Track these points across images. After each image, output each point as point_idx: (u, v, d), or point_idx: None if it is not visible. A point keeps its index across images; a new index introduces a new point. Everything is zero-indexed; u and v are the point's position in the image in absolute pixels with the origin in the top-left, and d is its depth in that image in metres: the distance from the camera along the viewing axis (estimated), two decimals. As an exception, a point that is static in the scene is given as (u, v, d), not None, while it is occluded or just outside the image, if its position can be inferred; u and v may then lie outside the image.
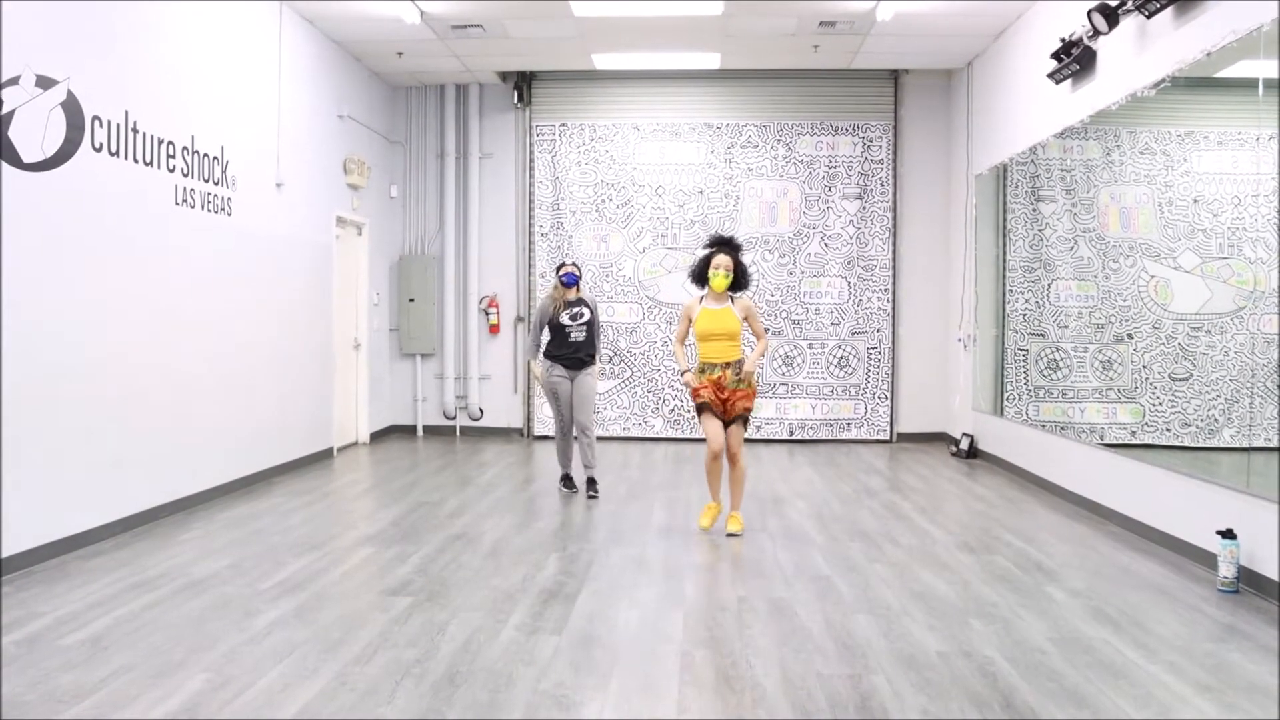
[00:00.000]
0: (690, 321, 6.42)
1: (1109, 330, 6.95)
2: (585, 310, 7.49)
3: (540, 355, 7.54)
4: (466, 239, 11.21)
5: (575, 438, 7.56)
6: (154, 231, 6.45)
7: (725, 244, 6.41)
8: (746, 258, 10.65)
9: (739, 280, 6.38)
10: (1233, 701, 3.59)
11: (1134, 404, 6.67)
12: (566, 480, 7.71)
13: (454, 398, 11.26)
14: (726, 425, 6.31)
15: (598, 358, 7.65)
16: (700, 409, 6.33)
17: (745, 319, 6.39)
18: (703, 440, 10.19)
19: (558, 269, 7.61)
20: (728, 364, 6.28)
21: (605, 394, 10.97)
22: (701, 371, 6.32)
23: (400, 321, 11.22)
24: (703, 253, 6.48)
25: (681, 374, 6.48)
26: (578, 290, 7.51)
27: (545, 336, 7.56)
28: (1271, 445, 5.08)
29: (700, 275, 6.39)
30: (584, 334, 7.46)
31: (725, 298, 6.37)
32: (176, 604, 4.70)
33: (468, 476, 8.47)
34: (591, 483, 7.54)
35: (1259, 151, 5.16)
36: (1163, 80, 6.00)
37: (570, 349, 7.42)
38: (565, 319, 7.40)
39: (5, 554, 5.13)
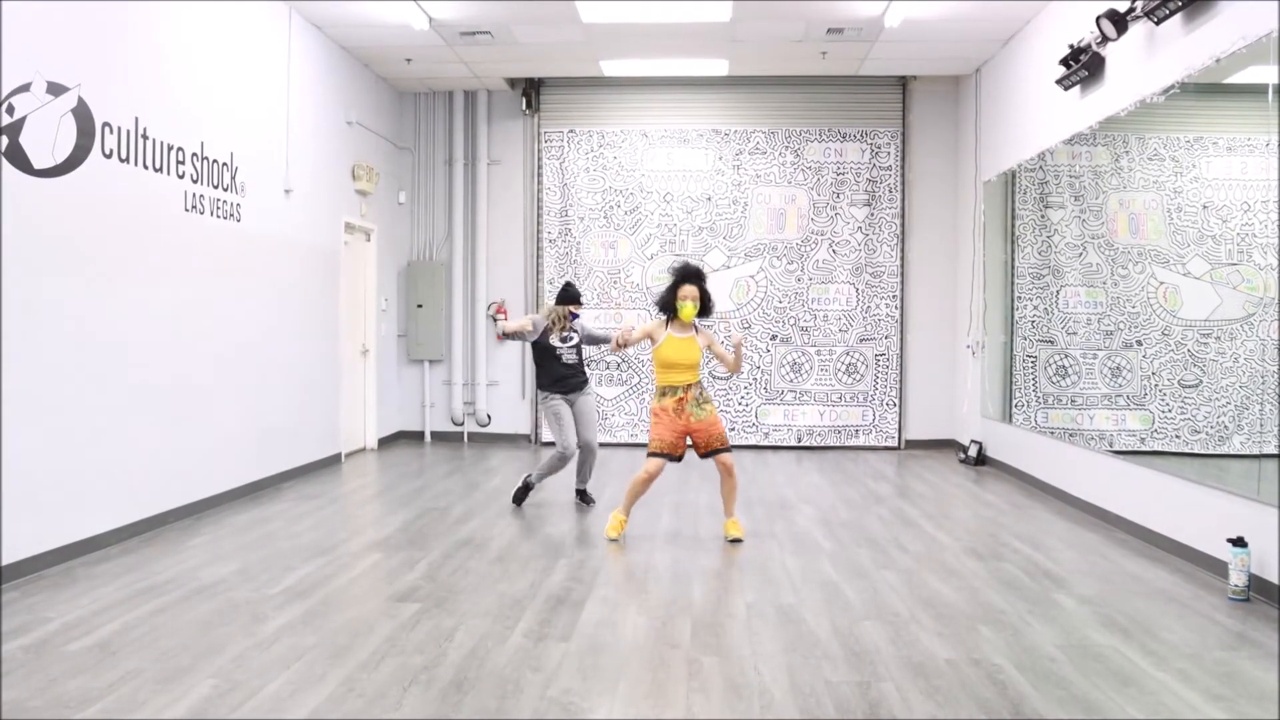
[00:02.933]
0: (651, 339, 6.37)
1: (1118, 337, 6.93)
2: (574, 334, 7.30)
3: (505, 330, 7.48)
4: (475, 245, 11.23)
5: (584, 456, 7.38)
6: (163, 237, 6.48)
7: (693, 275, 6.37)
8: (753, 265, 10.80)
9: (704, 309, 6.37)
10: (1244, 710, 3.57)
11: (1143, 411, 6.65)
12: (525, 491, 7.45)
13: (462, 404, 11.28)
14: (709, 455, 6.30)
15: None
16: (655, 455, 6.26)
17: (708, 348, 6.38)
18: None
19: (576, 300, 7.34)
20: (689, 385, 6.29)
21: (613, 400, 10.98)
22: (663, 395, 6.30)
23: (408, 327, 11.24)
24: (668, 281, 6.43)
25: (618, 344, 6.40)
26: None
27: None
28: (1282, 452, 5.06)
29: (669, 304, 6.36)
30: (574, 356, 7.30)
31: (690, 327, 6.37)
32: (184, 609, 4.71)
33: (475, 482, 8.47)
34: (585, 493, 7.51)
35: (1269, 157, 5.14)
36: (1172, 86, 5.99)
37: (564, 372, 7.25)
38: (555, 340, 7.22)
39: (16, 558, 5.14)
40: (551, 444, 10.70)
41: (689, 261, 6.59)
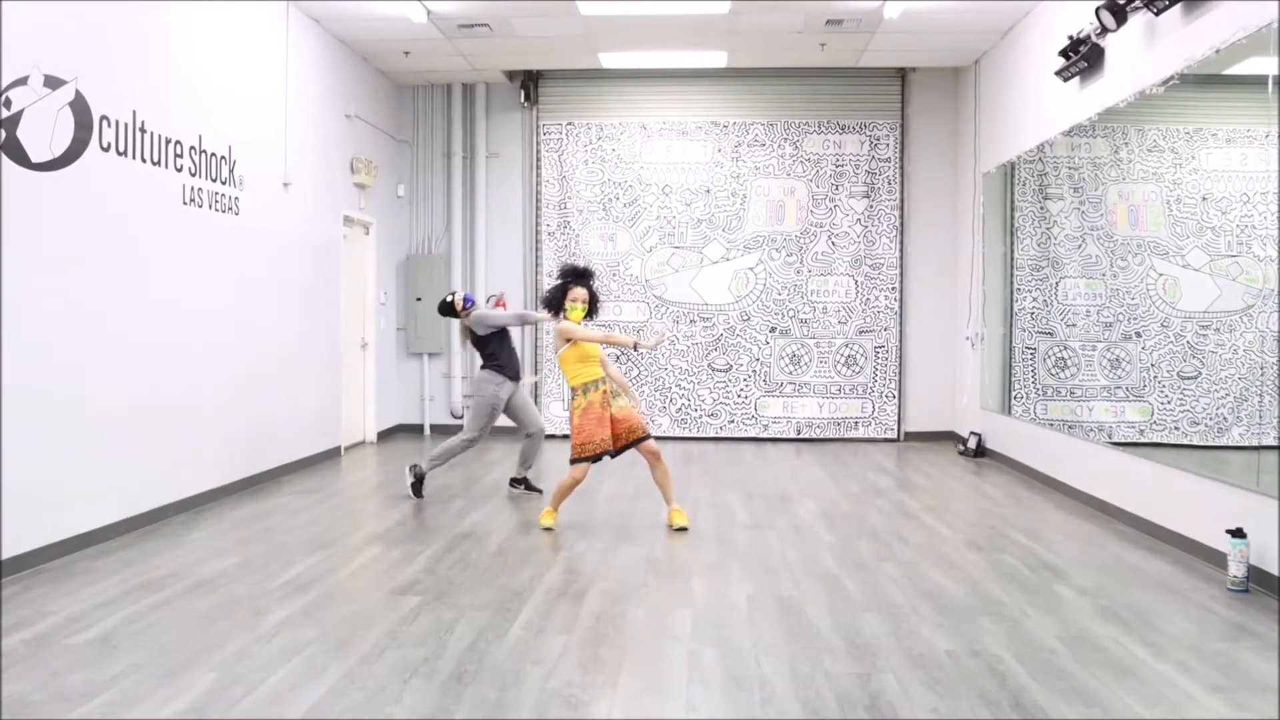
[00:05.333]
0: (578, 338, 6.24)
1: (1117, 328, 6.93)
2: None
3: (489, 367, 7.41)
4: (473, 238, 11.22)
5: (531, 438, 7.48)
6: (161, 231, 6.47)
7: (581, 276, 6.39)
8: (752, 257, 10.80)
9: (592, 310, 6.41)
10: (1243, 701, 3.58)
11: (1142, 402, 6.65)
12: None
13: (461, 397, 11.27)
14: (632, 445, 6.28)
15: None
16: (592, 459, 6.21)
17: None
18: (711, 439, 10.17)
19: (453, 302, 7.48)
20: (604, 378, 6.30)
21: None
22: (587, 391, 6.23)
23: (407, 321, 11.24)
24: (556, 282, 6.47)
25: (637, 345, 6.23)
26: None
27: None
28: (1281, 443, 5.06)
29: (557, 304, 6.36)
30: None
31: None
32: (185, 603, 4.71)
33: (475, 475, 8.47)
34: (529, 481, 7.60)
35: (1268, 149, 5.13)
36: (1171, 77, 5.98)
37: (516, 357, 7.49)
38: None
39: (16, 552, 5.14)
40: (554, 436, 10.73)
41: (575, 264, 6.55)
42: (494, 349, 7.34)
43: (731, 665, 3.92)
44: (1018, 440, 8.77)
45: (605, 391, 6.28)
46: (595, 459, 6.24)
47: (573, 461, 6.28)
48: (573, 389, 6.32)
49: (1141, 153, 6.71)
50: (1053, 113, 7.88)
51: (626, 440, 6.29)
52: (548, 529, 6.37)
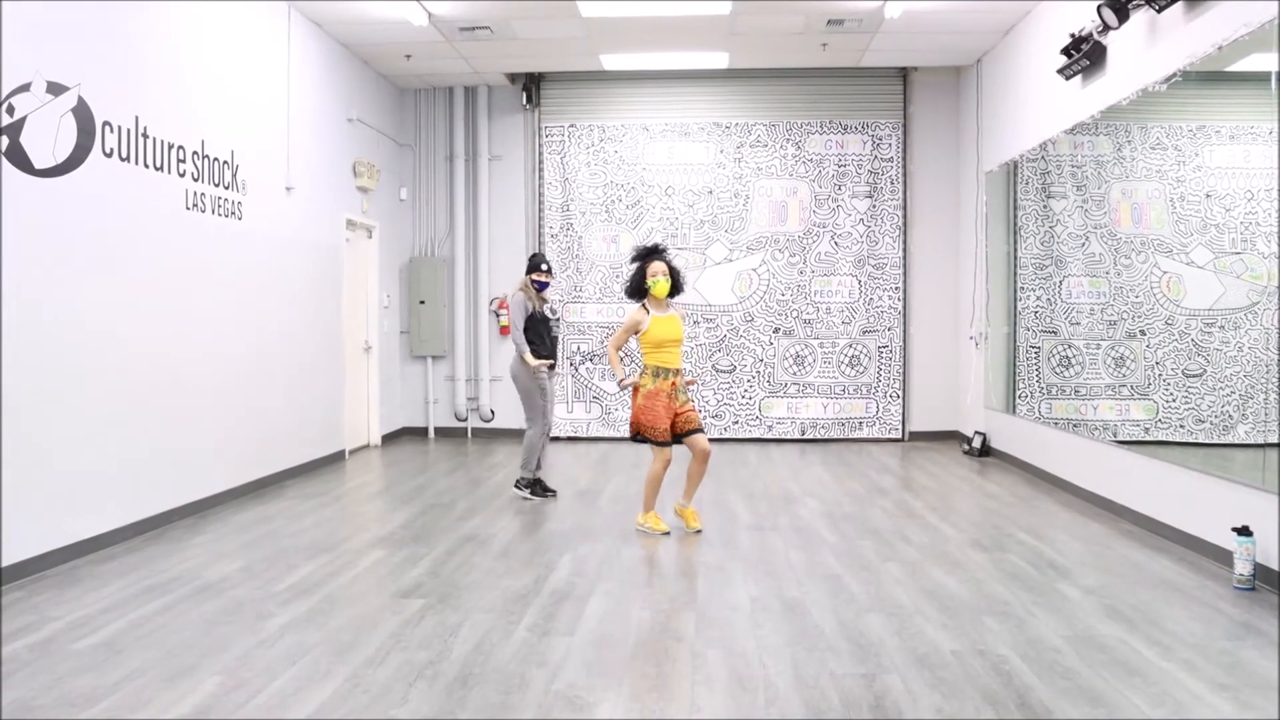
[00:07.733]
0: (636, 331, 6.28)
1: (1121, 327, 6.92)
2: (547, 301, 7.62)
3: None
4: (476, 241, 11.22)
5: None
6: (165, 236, 6.48)
7: (655, 252, 6.37)
8: (755, 258, 10.79)
9: (675, 285, 6.38)
10: (1249, 699, 3.57)
11: (1147, 401, 6.64)
12: (542, 486, 7.57)
13: (465, 400, 11.28)
14: (684, 436, 6.27)
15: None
16: (655, 440, 6.21)
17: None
18: (715, 440, 10.12)
19: (538, 269, 7.50)
20: (677, 370, 6.29)
21: (615, 395, 10.97)
22: (655, 377, 6.22)
23: (411, 324, 11.24)
24: (631, 266, 6.44)
25: (619, 382, 6.38)
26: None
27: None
28: (1287, 441, 5.04)
29: (639, 288, 6.33)
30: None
31: (667, 305, 6.38)
32: (189, 607, 4.71)
33: (479, 478, 8.47)
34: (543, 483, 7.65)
35: (1271, 145, 5.12)
36: (1174, 75, 5.97)
37: (552, 344, 7.58)
38: (547, 311, 7.54)
39: (21, 557, 5.15)
40: (558, 438, 10.72)
41: (645, 244, 6.52)
42: (530, 336, 7.41)
43: (735, 666, 3.91)
44: (1022, 439, 8.75)
45: (675, 384, 6.26)
46: (671, 443, 6.24)
47: (634, 439, 6.33)
48: (643, 368, 6.30)
49: (1144, 150, 6.70)
50: (1055, 111, 7.87)
51: (682, 430, 6.27)
52: (666, 533, 6.31)
